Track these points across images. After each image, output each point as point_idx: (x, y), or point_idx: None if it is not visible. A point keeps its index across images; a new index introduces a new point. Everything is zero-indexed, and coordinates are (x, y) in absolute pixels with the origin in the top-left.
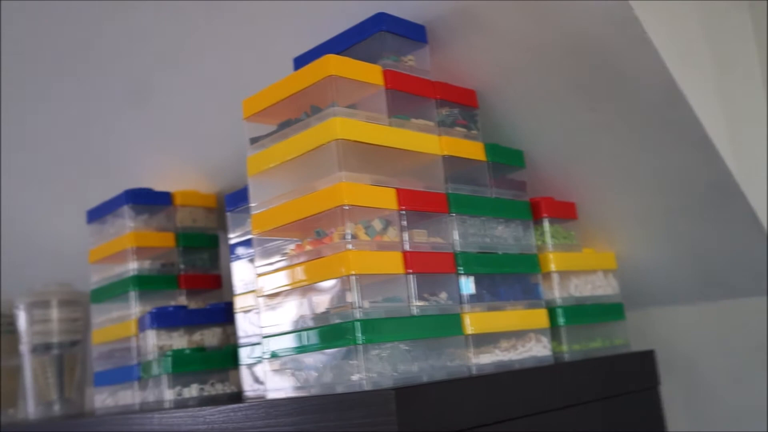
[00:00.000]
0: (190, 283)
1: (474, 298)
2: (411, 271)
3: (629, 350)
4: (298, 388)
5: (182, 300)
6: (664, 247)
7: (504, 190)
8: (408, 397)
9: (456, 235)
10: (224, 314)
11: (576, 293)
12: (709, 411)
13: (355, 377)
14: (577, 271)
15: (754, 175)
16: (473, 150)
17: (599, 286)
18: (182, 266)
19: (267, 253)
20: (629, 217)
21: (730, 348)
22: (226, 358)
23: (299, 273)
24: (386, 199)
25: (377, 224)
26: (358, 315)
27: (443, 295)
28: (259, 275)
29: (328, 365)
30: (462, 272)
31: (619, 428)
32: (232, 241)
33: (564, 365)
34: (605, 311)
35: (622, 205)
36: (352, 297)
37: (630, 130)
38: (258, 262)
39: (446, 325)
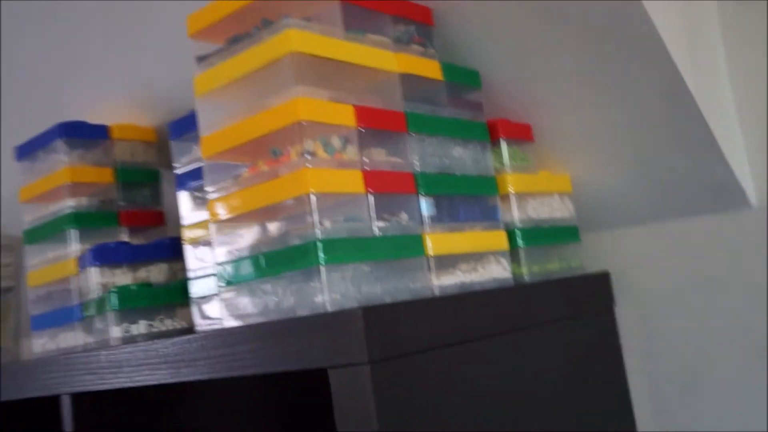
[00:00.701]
0: (132, 219)
1: (434, 220)
2: (371, 190)
3: (584, 272)
4: (256, 315)
5: (124, 238)
6: (619, 168)
7: (461, 111)
8: (375, 316)
9: (415, 155)
10: (170, 249)
11: (534, 215)
12: (662, 332)
13: (318, 299)
14: (534, 194)
15: (710, 91)
16: (430, 69)
17: (556, 209)
18: (122, 203)
19: (219, 178)
20: (584, 138)
21: (683, 267)
22: (175, 293)
23: (255, 195)
24: (344, 116)
25: (336, 142)
26: (319, 235)
27: (404, 216)
28: (212, 201)
29: (288, 289)
30: (422, 193)
31: (576, 349)
32: (179, 171)
33: (524, 287)
34: (562, 234)
35: (577, 127)
36: (313, 217)
37: (586, 49)
38: (210, 188)
39: (408, 246)
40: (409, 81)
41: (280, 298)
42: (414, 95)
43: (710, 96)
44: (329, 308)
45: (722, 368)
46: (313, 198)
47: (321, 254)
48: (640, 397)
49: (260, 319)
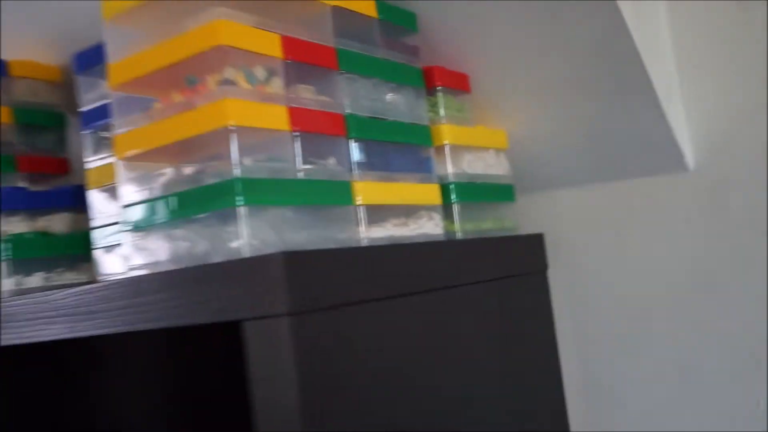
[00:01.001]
0: (31, 166)
1: (364, 167)
2: (297, 129)
3: (518, 233)
4: (166, 263)
5: (21, 185)
6: (558, 125)
7: (396, 53)
8: (298, 263)
9: (345, 96)
10: (73, 197)
11: (469, 170)
12: (593, 296)
13: (234, 244)
14: (469, 147)
15: (653, 46)
16: (364, 5)
17: (491, 165)
18: (21, 146)
19: (128, 110)
20: (521, 92)
21: (618, 230)
22: (77, 243)
23: (167, 129)
24: (270, 45)
25: (260, 72)
26: (238, 173)
27: (331, 161)
28: (118, 136)
29: (202, 234)
30: (351, 137)
31: (507, 309)
32: (84, 109)
33: (456, 243)
34: (497, 191)
35: (514, 79)
36: (231, 152)
37: None
38: (118, 121)
39: (335, 192)
40: (341, 15)
41: (193, 244)
42: (346, 32)
43: (653, 51)
44: (247, 254)
45: (652, 332)
46: (232, 131)
47: (239, 195)
48: (570, 359)
49: (170, 267)
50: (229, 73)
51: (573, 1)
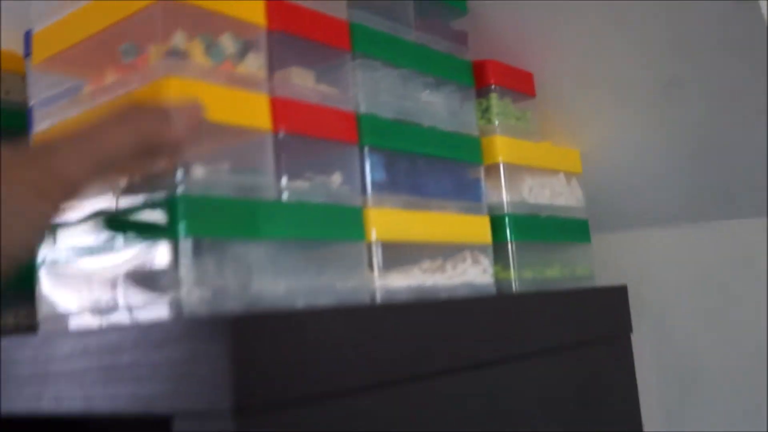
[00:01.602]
0: None
1: (383, 188)
2: (283, 129)
3: (593, 284)
4: (76, 315)
5: None
6: (649, 144)
7: (436, 38)
8: (255, 330)
9: (360, 88)
10: None
11: (530, 199)
12: (686, 367)
13: (170, 296)
14: (532, 169)
15: None
16: None
17: (560, 194)
18: None
19: (52, 97)
20: (604, 98)
21: (721, 284)
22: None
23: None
24: (248, 5)
25: (228, 43)
26: (180, 189)
27: (336, 178)
28: (38, 134)
29: (127, 278)
30: (367, 144)
31: (579, 389)
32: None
33: (511, 298)
34: (567, 228)
35: (595, 81)
36: (174, 158)
37: None
38: (38, 113)
39: (338, 222)
40: None
41: (120, 291)
42: (366, 2)
43: None
44: (185, 312)
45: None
46: None
47: (182, 221)
48: None
49: (80, 324)
50: (179, 40)
51: None
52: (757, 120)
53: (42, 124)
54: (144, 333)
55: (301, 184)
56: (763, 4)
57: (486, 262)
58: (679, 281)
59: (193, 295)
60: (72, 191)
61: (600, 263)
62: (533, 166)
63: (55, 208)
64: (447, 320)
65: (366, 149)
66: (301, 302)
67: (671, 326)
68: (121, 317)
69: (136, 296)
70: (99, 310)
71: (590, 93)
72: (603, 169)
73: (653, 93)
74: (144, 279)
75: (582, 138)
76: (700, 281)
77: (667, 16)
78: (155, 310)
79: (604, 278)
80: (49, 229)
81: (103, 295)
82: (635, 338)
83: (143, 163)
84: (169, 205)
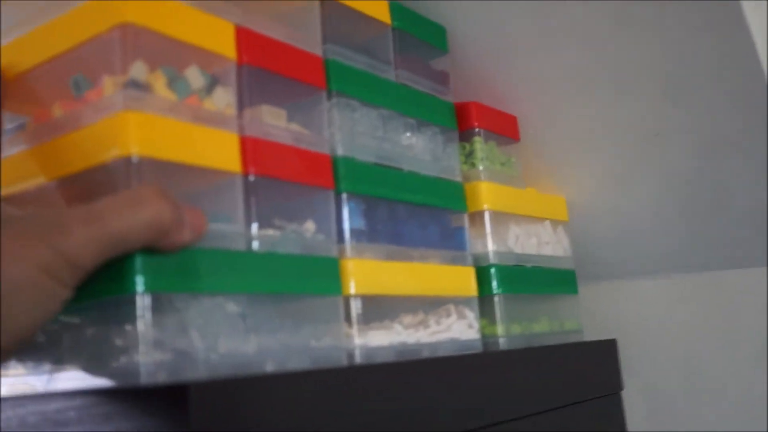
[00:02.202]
0: None
1: (363, 237)
2: (253, 171)
3: (582, 338)
4: (24, 377)
5: None
6: (640, 190)
7: (417, 78)
8: (219, 399)
9: (337, 129)
10: None
11: (517, 249)
12: (678, 423)
13: (122, 360)
14: (518, 216)
15: None
16: (372, 5)
17: (547, 243)
18: None
19: None
20: (592, 144)
21: (719, 337)
22: None
23: (40, 162)
24: (217, 36)
25: (194, 77)
26: None
27: (309, 225)
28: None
29: (81, 339)
30: (344, 190)
31: None
32: None
33: (499, 356)
34: (555, 280)
35: (582, 126)
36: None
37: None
38: None
39: (313, 274)
40: (336, 12)
41: (64, 351)
42: (343, 37)
43: None
44: (143, 378)
45: None
46: (134, 166)
47: (139, 275)
48: None
49: (23, 387)
50: (139, 71)
51: (682, 8)
52: (747, 169)
53: None
54: (91, 403)
55: (272, 233)
56: (762, 51)
57: (471, 317)
58: (669, 333)
59: (150, 358)
60: (81, 273)
61: (586, 315)
62: (519, 213)
63: (65, 289)
64: (432, 381)
65: (344, 195)
66: (272, 363)
67: (662, 380)
68: (66, 384)
69: (85, 360)
70: (40, 375)
71: (576, 138)
72: (589, 217)
73: (642, 140)
74: (95, 340)
75: (567, 185)
76: (691, 332)
77: (658, 61)
78: (106, 376)
79: (591, 331)
80: (56, 311)
81: (46, 357)
82: (625, 393)
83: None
84: (124, 256)
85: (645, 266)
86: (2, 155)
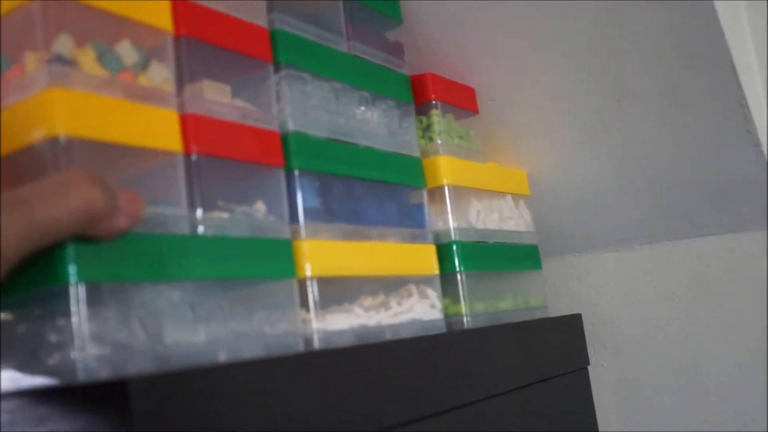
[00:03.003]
0: None
1: (318, 217)
2: (196, 150)
3: (547, 314)
4: None
5: None
6: (600, 162)
7: (371, 50)
8: (165, 393)
9: (288, 104)
10: None
11: (478, 224)
12: (647, 398)
13: (59, 355)
14: (479, 191)
15: (744, 51)
16: None
17: (509, 218)
18: None
19: None
20: (552, 115)
21: (681, 307)
22: None
23: None
24: (150, 8)
25: (126, 52)
26: None
27: (259, 206)
28: None
29: (10, 332)
30: (295, 167)
31: (532, 425)
32: None
33: (464, 335)
34: (518, 255)
35: (542, 96)
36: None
37: None
38: None
39: (265, 257)
40: None
41: (1, 354)
42: (291, 8)
43: (744, 56)
44: (80, 375)
45: None
46: (63, 147)
47: (71, 264)
48: None
49: None
50: (64, 45)
51: None
52: (710, 134)
53: None
54: (24, 404)
55: (219, 216)
56: (718, 4)
57: (434, 296)
58: (635, 305)
59: (88, 353)
60: (6, 264)
61: (550, 290)
62: (480, 188)
63: None
64: (395, 365)
65: (296, 173)
66: (224, 353)
67: (629, 354)
68: None
69: (16, 358)
70: None
71: (535, 109)
72: (550, 191)
73: (603, 108)
74: (26, 336)
75: (527, 158)
76: (656, 302)
77: (618, 27)
78: (40, 375)
79: (556, 307)
80: None
81: None
82: (591, 368)
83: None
84: (55, 246)
85: (608, 239)
86: None
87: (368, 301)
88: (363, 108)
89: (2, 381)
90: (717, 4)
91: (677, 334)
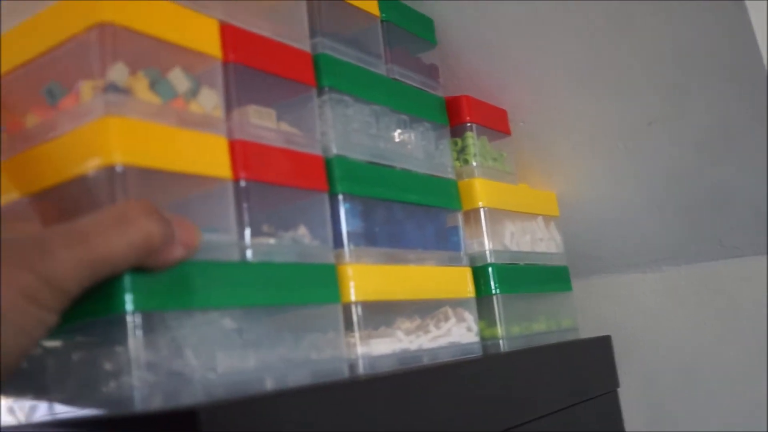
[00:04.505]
0: None
1: (359, 240)
2: (244, 176)
3: (578, 335)
4: (4, 407)
5: None
6: (629, 184)
7: (407, 73)
8: (226, 423)
9: (330, 127)
10: None
11: (513, 247)
12: (675, 418)
13: (112, 385)
14: (512, 213)
15: None
16: None
17: (540, 239)
18: None
19: None
20: (582, 137)
21: (712, 330)
22: None
23: (14, 174)
24: (200, 34)
25: (178, 79)
26: None
27: (303, 231)
28: None
29: (69, 361)
30: (340, 191)
31: None
32: None
33: (504, 358)
34: (550, 277)
35: (572, 118)
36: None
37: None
38: None
39: (310, 282)
40: (325, 5)
41: (54, 378)
42: (332, 31)
43: None
44: (137, 404)
45: None
46: (120, 176)
47: (128, 293)
48: None
49: (10, 419)
50: (119, 73)
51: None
52: (742, 157)
53: None
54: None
55: (266, 241)
56: (762, 39)
57: (470, 319)
58: (663, 326)
59: (144, 382)
60: (66, 298)
61: (580, 312)
62: (514, 210)
63: (50, 315)
64: (440, 390)
65: (340, 197)
66: (271, 379)
67: (658, 375)
68: (51, 413)
69: (72, 386)
70: (23, 404)
71: (566, 130)
72: (579, 212)
73: (633, 131)
74: (82, 365)
75: (557, 179)
76: (685, 325)
77: (651, 51)
78: (96, 403)
79: (584, 328)
80: (42, 337)
81: (29, 385)
82: (621, 390)
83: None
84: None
85: (636, 260)
86: None
87: (406, 324)
88: (401, 131)
89: (56, 409)
90: (757, 28)
91: (706, 356)
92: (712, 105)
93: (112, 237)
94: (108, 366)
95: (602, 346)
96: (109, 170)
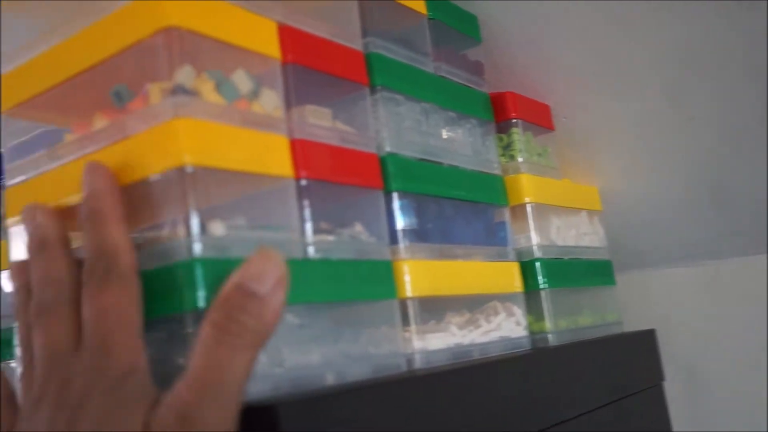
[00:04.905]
0: None
1: (413, 237)
2: (305, 175)
3: (623, 329)
4: None
5: None
6: (671, 178)
7: (454, 70)
8: (304, 418)
9: (384, 125)
10: None
11: (559, 241)
12: (722, 415)
13: None
14: (557, 208)
15: None
16: None
17: (585, 234)
18: None
19: (27, 147)
20: (623, 132)
21: (754, 322)
22: None
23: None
24: (260, 36)
25: (242, 80)
26: (197, 250)
27: (359, 228)
28: (10, 189)
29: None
30: (394, 189)
31: None
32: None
33: (554, 352)
34: (594, 271)
35: (614, 114)
36: (188, 213)
37: None
38: (10, 165)
39: (368, 278)
40: (375, 5)
41: None
42: (382, 30)
43: None
44: None
45: None
46: (189, 175)
47: (200, 290)
48: None
49: None
50: (186, 76)
51: None
52: None
53: (14, 180)
54: None
55: (326, 239)
56: None
57: (519, 313)
58: (705, 320)
59: None
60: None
61: (622, 305)
62: (559, 205)
63: None
64: (492, 384)
65: (394, 194)
66: (332, 374)
67: (702, 369)
68: None
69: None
70: None
71: (608, 126)
72: (621, 206)
73: (675, 126)
74: (153, 360)
75: (599, 173)
76: (727, 319)
77: (694, 46)
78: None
79: (628, 322)
80: None
81: None
82: (667, 384)
83: None
84: (183, 271)
85: (677, 254)
86: (38, 170)
87: (456, 318)
88: (448, 128)
89: None
90: None
91: (746, 348)
92: (756, 102)
93: (236, 362)
94: (181, 361)
95: (647, 340)
96: (180, 171)
